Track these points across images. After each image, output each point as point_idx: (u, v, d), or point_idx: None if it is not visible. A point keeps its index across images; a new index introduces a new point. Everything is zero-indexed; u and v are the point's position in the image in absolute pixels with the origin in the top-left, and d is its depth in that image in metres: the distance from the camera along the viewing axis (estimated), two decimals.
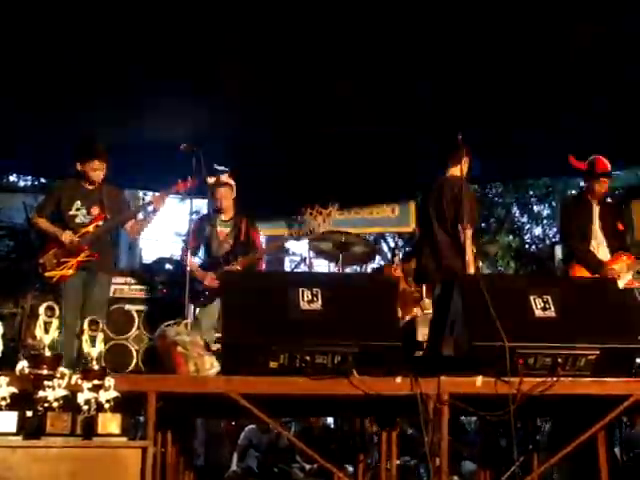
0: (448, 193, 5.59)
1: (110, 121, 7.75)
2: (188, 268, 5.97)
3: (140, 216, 6.28)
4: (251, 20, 6.54)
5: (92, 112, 7.63)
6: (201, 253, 6.84)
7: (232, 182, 6.75)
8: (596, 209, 6.39)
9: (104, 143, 6.12)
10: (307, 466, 8.02)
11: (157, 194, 6.24)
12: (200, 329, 6.03)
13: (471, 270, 5.50)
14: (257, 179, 9.22)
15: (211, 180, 6.54)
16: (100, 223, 5.95)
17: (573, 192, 14.85)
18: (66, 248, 5.83)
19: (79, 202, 5.98)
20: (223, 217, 6.79)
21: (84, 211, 5.97)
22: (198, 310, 6.54)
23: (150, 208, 6.22)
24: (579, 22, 6.48)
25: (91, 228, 5.92)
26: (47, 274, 5.86)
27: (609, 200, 6.83)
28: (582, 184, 6.94)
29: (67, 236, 5.85)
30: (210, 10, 6.36)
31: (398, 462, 5.54)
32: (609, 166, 6.35)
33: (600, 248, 6.29)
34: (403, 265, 7.17)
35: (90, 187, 6.01)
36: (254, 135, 8.76)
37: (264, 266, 7.00)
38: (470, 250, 5.46)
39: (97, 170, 5.97)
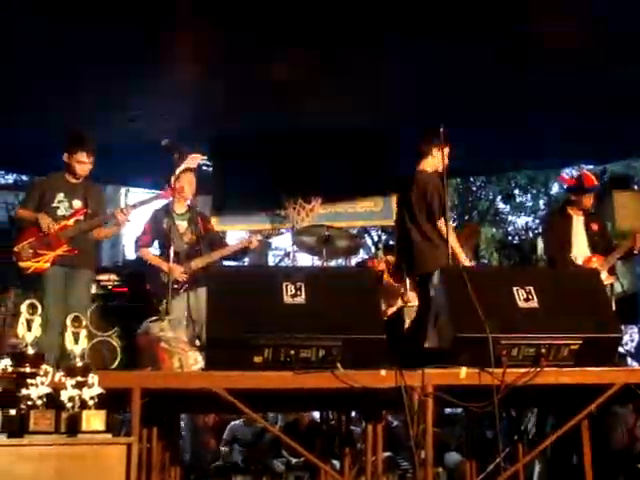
0: (416, 188, 5.62)
1: (94, 119, 7.71)
2: (138, 255, 5.84)
3: (108, 225, 6.18)
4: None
5: (76, 110, 7.61)
6: (155, 247, 6.69)
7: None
8: (579, 220, 6.64)
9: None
10: (293, 460, 8.01)
11: (124, 208, 6.13)
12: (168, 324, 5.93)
13: (462, 258, 5.51)
14: (240, 174, 9.23)
15: (184, 165, 6.31)
16: (80, 218, 5.89)
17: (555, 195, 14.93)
18: (44, 239, 5.74)
19: (62, 194, 5.92)
20: (178, 211, 6.61)
21: (66, 204, 5.91)
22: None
23: (114, 221, 6.08)
24: None
25: (71, 222, 5.85)
26: (21, 264, 5.74)
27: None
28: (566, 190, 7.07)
29: (46, 220, 5.76)
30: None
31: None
32: (595, 181, 6.72)
33: (582, 257, 6.50)
34: (385, 258, 7.18)
35: (74, 181, 5.97)
36: (237, 130, 8.77)
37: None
38: (453, 239, 5.47)
39: (83, 164, 5.92)
